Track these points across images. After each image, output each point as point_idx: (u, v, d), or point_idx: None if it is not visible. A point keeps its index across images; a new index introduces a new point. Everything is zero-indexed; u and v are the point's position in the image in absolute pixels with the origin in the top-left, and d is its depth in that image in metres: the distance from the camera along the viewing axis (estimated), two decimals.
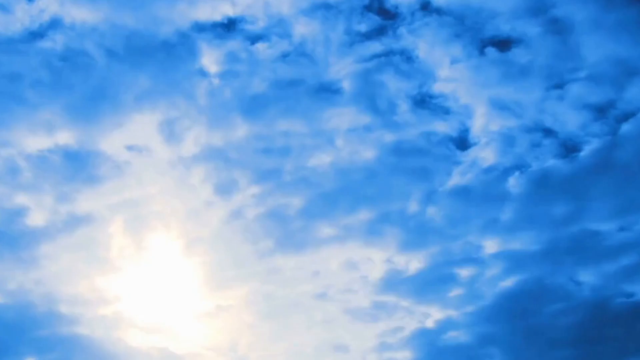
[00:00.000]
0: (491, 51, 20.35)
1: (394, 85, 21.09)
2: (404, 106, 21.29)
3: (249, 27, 20.68)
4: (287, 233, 22.17)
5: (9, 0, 19.45)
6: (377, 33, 20.54)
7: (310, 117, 21.50)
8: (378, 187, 21.92)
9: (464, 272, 22.23)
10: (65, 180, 21.00)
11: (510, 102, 20.78)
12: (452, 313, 22.34)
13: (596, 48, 19.39)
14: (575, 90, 20.38)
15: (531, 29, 19.69)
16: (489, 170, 21.59)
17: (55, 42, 19.80)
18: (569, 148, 20.98)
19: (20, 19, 19.61)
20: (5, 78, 19.66)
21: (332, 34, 20.62)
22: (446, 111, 21.40)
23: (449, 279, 22.33)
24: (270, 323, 23.07)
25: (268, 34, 20.75)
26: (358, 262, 22.70)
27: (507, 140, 21.22)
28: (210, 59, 20.83)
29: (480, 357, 21.67)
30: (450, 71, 20.93)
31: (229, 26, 20.48)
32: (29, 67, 19.74)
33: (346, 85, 21.16)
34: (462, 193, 21.78)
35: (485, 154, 21.56)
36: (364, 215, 22.17)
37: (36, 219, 21.21)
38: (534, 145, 21.19)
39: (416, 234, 22.12)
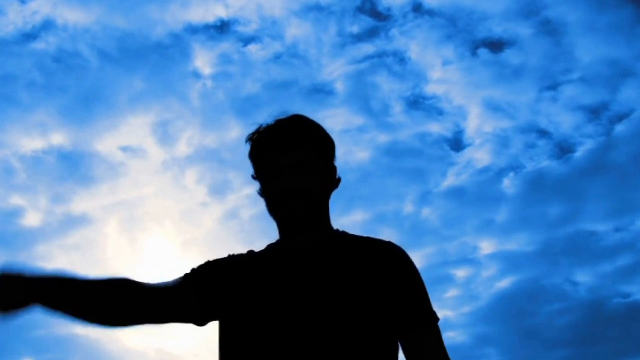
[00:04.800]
0: (483, 52, 20.26)
1: (387, 86, 21.01)
2: (397, 107, 21.21)
3: (241, 29, 20.66)
4: None
5: (1, 2, 19.54)
6: (369, 34, 20.49)
7: None
8: (372, 188, 21.86)
9: (460, 273, 22.13)
10: (60, 181, 21.09)
11: (503, 103, 20.67)
12: (449, 314, 22.28)
13: (589, 49, 19.25)
14: (568, 91, 20.25)
15: (523, 30, 19.56)
16: (483, 171, 21.49)
17: (48, 44, 19.86)
18: (563, 149, 20.89)
19: (13, 21, 19.70)
20: None
21: (324, 35, 20.57)
22: (440, 112, 21.31)
23: (445, 280, 22.25)
24: None
25: (260, 36, 20.74)
26: None
27: (502, 141, 21.12)
28: (203, 60, 20.84)
29: (477, 358, 21.66)
30: (443, 72, 20.80)
31: (221, 28, 20.52)
32: (22, 69, 19.82)
33: (339, 86, 21.08)
34: (457, 194, 21.70)
35: (480, 155, 21.45)
36: (358, 216, 22.08)
37: (31, 219, 21.29)
38: (528, 146, 21.10)
39: (411, 234, 22.02)
